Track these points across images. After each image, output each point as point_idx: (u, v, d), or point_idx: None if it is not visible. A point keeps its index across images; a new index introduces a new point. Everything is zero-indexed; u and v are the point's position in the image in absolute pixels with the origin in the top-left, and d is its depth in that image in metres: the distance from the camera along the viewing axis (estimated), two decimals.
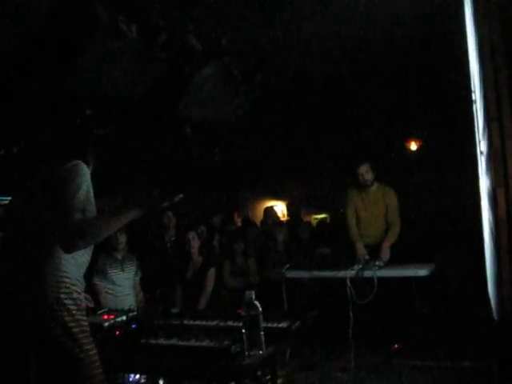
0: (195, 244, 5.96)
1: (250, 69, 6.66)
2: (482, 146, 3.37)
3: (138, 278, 5.77)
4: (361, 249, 6.15)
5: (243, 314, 2.85)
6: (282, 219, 9.96)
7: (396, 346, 5.58)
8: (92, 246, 2.62)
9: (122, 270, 5.60)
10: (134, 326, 3.39)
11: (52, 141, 2.82)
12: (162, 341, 3.14)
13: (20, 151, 5.57)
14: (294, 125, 8.75)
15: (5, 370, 2.42)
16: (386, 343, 5.57)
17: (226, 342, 2.91)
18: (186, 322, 3.50)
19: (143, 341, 3.15)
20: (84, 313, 2.52)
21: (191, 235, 5.98)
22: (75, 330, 2.39)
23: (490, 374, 3.92)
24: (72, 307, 2.41)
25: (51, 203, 2.42)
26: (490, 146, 2.60)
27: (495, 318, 3.22)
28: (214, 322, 3.44)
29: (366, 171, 6.24)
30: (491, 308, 3.46)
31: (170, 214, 6.86)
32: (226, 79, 6.42)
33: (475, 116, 4.10)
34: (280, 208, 10.91)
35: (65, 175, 2.49)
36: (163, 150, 6.82)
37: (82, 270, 2.61)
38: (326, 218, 10.69)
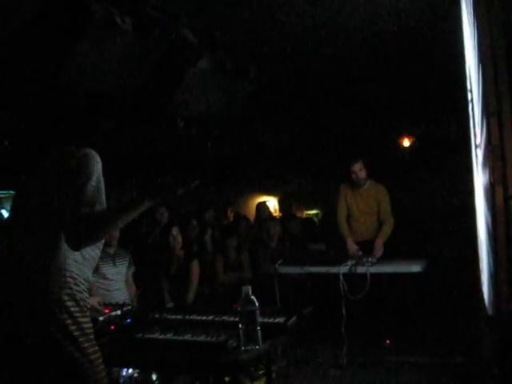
0: (179, 239, 5.98)
1: (244, 62, 6.63)
2: (477, 139, 3.37)
3: (130, 273, 5.75)
4: (351, 244, 6.17)
5: (240, 308, 2.84)
6: (275, 214, 9.96)
7: (388, 341, 5.60)
8: (102, 240, 2.49)
9: (114, 265, 5.57)
10: (128, 320, 3.37)
11: (56, 130, 2.68)
12: (157, 335, 3.12)
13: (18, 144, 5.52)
14: (286, 120, 8.75)
15: (4, 375, 2.31)
16: (378, 339, 5.60)
17: (222, 337, 2.90)
18: (181, 316, 3.49)
19: (138, 335, 3.14)
20: (87, 314, 2.38)
21: (175, 231, 5.99)
22: (76, 333, 2.26)
23: (482, 370, 3.94)
24: (73, 309, 2.28)
25: (58, 196, 2.28)
26: (489, 142, 2.59)
27: (489, 313, 3.23)
28: (210, 317, 3.43)
29: (359, 169, 6.26)
30: (485, 304, 3.47)
31: (163, 209, 6.84)
32: (220, 73, 6.39)
33: (470, 113, 4.10)
34: (272, 203, 10.91)
35: (73, 166, 2.33)
36: (156, 145, 6.79)
37: (91, 265, 2.46)
38: (318, 213, 10.70)
